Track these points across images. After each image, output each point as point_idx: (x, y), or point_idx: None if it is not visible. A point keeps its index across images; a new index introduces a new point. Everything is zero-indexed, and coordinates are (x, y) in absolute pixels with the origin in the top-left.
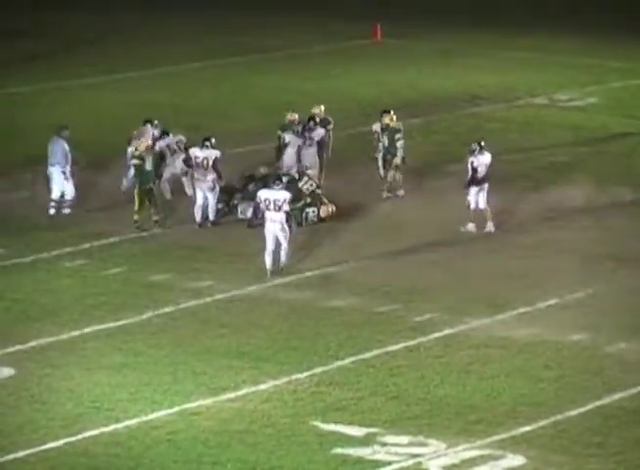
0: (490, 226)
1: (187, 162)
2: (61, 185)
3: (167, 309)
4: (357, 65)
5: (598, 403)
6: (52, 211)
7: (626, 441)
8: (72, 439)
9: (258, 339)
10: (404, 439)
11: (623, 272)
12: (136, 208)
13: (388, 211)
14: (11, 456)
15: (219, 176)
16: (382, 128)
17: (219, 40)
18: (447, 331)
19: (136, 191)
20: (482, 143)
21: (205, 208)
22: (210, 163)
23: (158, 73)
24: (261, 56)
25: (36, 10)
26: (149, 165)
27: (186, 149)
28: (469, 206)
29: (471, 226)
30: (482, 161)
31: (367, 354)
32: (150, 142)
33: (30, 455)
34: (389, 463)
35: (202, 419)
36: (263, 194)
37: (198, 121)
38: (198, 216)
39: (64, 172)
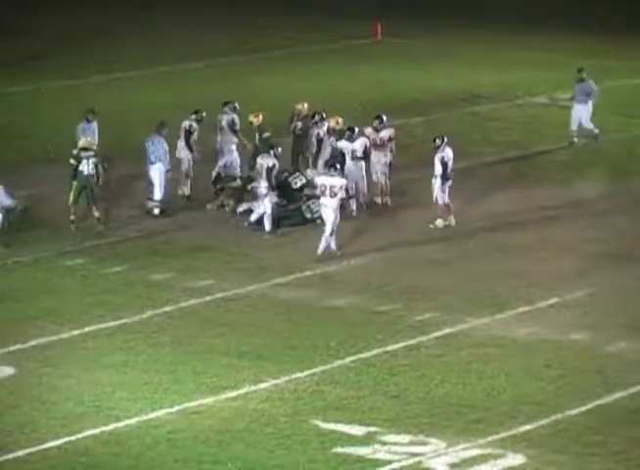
0: (440, 223)
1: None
2: (162, 184)
3: (168, 309)
4: (358, 64)
5: (598, 403)
6: (156, 211)
7: (627, 440)
8: (73, 438)
9: (259, 338)
10: (404, 438)
11: (623, 271)
12: (71, 206)
13: (388, 211)
14: (11, 455)
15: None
16: (327, 132)
17: (220, 39)
18: (447, 330)
19: (72, 191)
20: (445, 138)
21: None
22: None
23: (158, 73)
24: (262, 55)
25: (34, 9)
26: (86, 169)
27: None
28: (445, 203)
29: (450, 219)
30: (450, 155)
31: (367, 354)
32: (89, 139)
33: (31, 454)
34: (390, 462)
35: (202, 418)
36: (320, 180)
37: None
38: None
39: (165, 171)
